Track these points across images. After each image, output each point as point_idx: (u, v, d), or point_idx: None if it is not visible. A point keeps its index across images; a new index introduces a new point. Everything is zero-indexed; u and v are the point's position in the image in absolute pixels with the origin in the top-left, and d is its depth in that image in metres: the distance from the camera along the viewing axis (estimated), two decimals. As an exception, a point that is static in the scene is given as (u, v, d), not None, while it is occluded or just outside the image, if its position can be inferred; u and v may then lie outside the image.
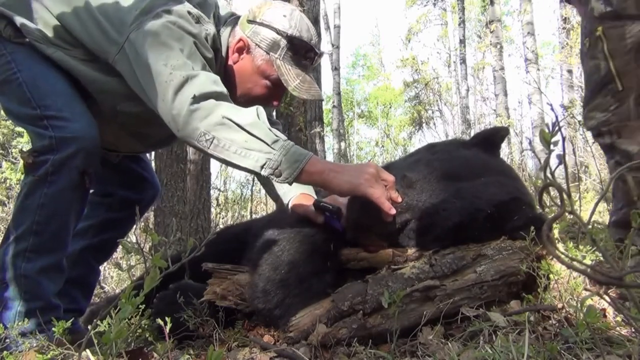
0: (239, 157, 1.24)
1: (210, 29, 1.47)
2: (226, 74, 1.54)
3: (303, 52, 1.48)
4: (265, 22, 1.46)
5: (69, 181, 1.34)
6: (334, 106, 12.94)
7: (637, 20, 1.48)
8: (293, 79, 1.47)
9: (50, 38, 1.42)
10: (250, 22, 1.49)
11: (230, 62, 1.54)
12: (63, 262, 1.40)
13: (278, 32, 1.45)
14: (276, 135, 1.26)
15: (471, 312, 1.15)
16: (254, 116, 1.27)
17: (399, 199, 1.28)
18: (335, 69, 12.21)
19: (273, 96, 1.54)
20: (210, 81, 1.32)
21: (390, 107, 19.78)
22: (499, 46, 10.21)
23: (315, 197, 1.57)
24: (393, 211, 1.24)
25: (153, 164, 4.50)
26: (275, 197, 1.68)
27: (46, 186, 1.33)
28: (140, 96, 1.37)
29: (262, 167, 1.24)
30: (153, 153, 4.23)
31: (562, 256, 0.64)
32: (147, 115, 1.41)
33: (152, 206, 2.06)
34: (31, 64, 1.40)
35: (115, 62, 1.37)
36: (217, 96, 1.29)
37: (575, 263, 0.74)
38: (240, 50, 1.50)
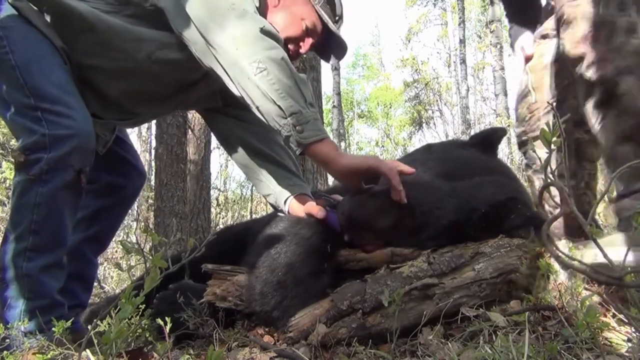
0: (277, 95, 1.29)
1: None
2: None
3: (335, 7, 1.64)
4: None
5: (65, 180, 1.32)
6: (334, 106, 12.94)
7: (552, 39, 1.68)
8: (331, 22, 1.61)
9: None
10: None
11: (269, 9, 1.62)
12: (63, 259, 1.39)
13: None
14: (314, 102, 1.35)
15: (471, 312, 1.15)
16: (305, 76, 1.38)
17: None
18: (335, 69, 12.21)
19: (303, 41, 1.63)
20: (270, 25, 1.41)
21: (390, 107, 19.79)
22: (499, 46, 10.22)
23: (312, 198, 1.58)
24: (400, 187, 1.24)
25: (153, 164, 4.49)
26: (267, 193, 1.69)
27: (41, 185, 1.30)
28: (184, 33, 1.40)
29: (292, 114, 1.29)
30: (153, 153, 4.23)
31: (562, 256, 0.64)
32: (183, 61, 1.45)
33: (140, 194, 2.03)
34: (26, 45, 1.35)
35: None
36: (279, 40, 1.39)
37: (575, 263, 0.74)
38: None
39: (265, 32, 1.35)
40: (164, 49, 1.46)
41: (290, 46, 1.59)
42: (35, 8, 1.39)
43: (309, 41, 1.63)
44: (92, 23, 1.40)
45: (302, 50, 1.64)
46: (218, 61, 1.36)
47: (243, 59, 1.31)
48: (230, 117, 1.74)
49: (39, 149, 1.29)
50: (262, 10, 1.57)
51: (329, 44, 1.68)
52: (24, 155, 1.29)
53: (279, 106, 1.28)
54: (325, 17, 1.60)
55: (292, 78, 1.31)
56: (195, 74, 1.53)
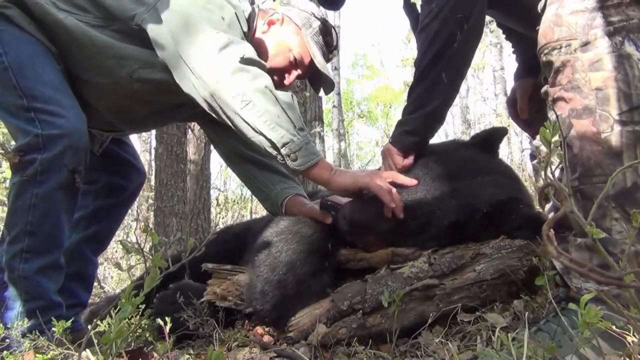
0: (267, 128, 1.28)
1: (247, 7, 1.53)
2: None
3: (328, 38, 1.61)
4: (300, 4, 1.61)
5: (59, 181, 1.31)
6: (334, 106, 12.93)
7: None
8: (319, 56, 1.57)
9: (57, 3, 1.39)
10: (284, 4, 1.62)
11: (257, 33, 1.59)
12: (61, 260, 1.38)
13: (312, 13, 1.59)
14: (303, 125, 1.34)
15: (466, 318, 1.15)
16: (290, 98, 1.35)
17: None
18: (335, 69, 12.19)
19: (289, 72, 1.61)
20: (254, 51, 1.39)
21: (390, 107, 19.77)
22: (499, 46, 10.20)
23: (308, 199, 1.58)
24: (393, 205, 1.26)
25: (153, 164, 4.49)
26: (263, 197, 1.68)
27: (36, 186, 1.29)
28: (165, 58, 1.37)
29: (284, 145, 1.29)
30: (153, 153, 4.23)
31: (562, 256, 0.64)
32: (165, 82, 1.43)
33: (139, 192, 2.03)
34: (19, 46, 1.34)
35: (143, 20, 1.38)
36: (261, 66, 1.37)
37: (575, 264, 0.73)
38: (271, 22, 1.59)
39: (246, 60, 1.32)
40: (146, 68, 1.44)
41: (275, 77, 1.55)
42: (26, 16, 1.38)
43: (295, 73, 1.60)
44: (76, 37, 1.39)
45: (286, 82, 1.60)
46: (197, 91, 1.34)
47: (225, 92, 1.30)
48: (220, 126, 1.71)
49: (33, 150, 1.29)
50: (250, 34, 1.55)
51: (318, 76, 1.64)
52: (19, 157, 1.29)
53: (269, 139, 1.28)
54: (313, 50, 1.55)
55: (279, 105, 1.30)
56: (181, 97, 1.48)
